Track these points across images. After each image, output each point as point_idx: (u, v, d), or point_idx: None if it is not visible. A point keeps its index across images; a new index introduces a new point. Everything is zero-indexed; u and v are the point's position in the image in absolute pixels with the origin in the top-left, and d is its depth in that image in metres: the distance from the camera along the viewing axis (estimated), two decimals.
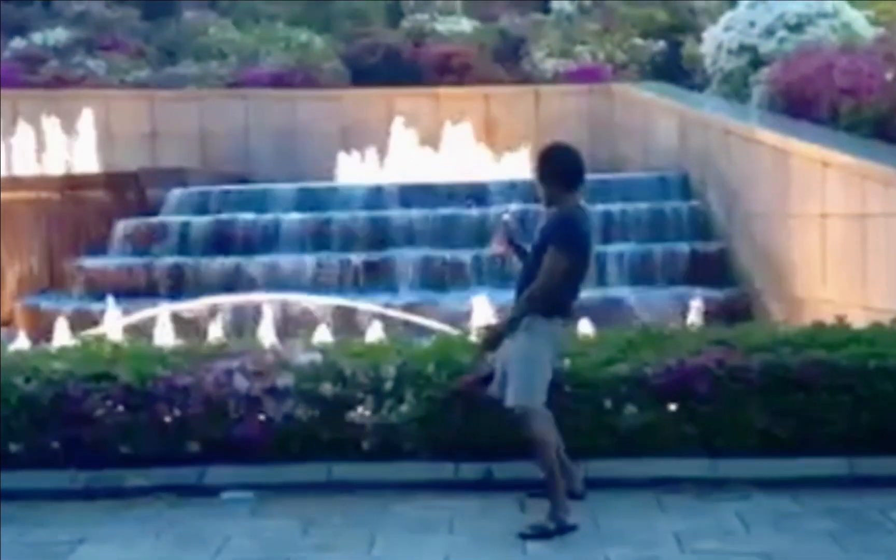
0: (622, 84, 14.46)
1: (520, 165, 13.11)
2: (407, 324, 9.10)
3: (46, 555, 5.20)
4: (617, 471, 6.05)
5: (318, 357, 6.44)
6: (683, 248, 10.84)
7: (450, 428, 6.18)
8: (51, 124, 12.88)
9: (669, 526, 5.41)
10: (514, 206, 5.96)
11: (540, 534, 5.29)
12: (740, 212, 10.61)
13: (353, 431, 6.22)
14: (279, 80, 14.59)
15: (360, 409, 6.26)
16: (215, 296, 9.84)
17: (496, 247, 5.94)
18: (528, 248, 5.71)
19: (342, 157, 13.19)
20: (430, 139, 13.44)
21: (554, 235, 5.45)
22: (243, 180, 12.97)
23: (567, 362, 6.17)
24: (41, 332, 9.56)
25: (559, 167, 5.59)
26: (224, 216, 11.28)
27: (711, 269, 10.68)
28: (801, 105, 11.12)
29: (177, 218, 11.37)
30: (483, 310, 8.82)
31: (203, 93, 14.52)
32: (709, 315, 9.41)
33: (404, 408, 6.22)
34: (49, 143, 12.80)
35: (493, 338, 5.67)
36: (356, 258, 10.53)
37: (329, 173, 13.01)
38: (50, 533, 5.51)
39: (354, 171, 13.06)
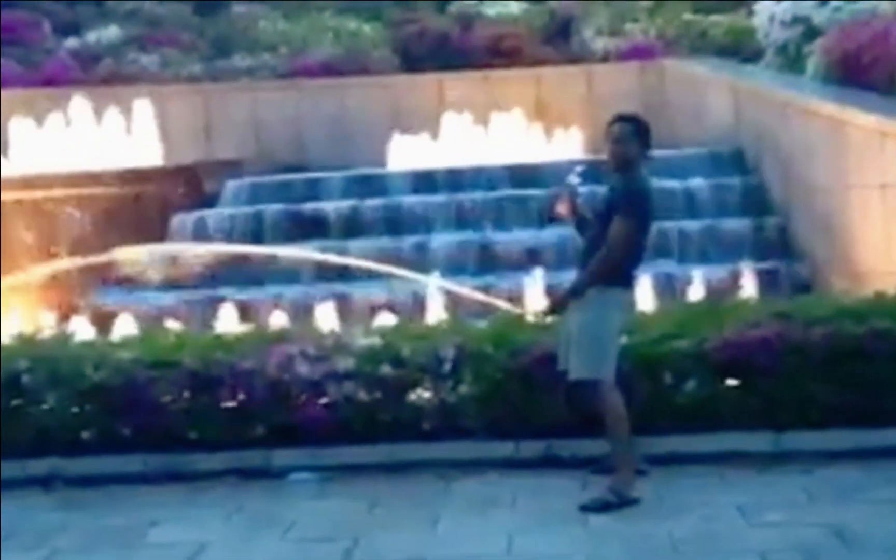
0: (674, 60, 14.35)
1: (571, 146, 13.09)
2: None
3: (121, 538, 5.32)
4: (678, 446, 6.04)
5: (377, 340, 6.50)
6: (741, 223, 10.79)
7: (509, 407, 6.22)
8: (107, 120, 13.08)
9: (733, 499, 5.40)
10: (580, 169, 5.88)
11: (602, 506, 5.31)
12: (798, 185, 10.50)
13: (413, 412, 6.28)
14: (329, 70, 14.70)
15: (419, 391, 6.32)
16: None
17: (560, 209, 5.83)
18: (589, 215, 5.71)
19: (393, 142, 13.25)
20: (481, 122, 13.45)
21: (622, 203, 5.44)
22: (297, 169, 13.09)
23: (625, 339, 6.16)
24: (104, 324, 9.76)
25: (642, 126, 5.61)
26: (293, 205, 11.38)
27: (769, 244, 10.62)
28: (857, 75, 10.94)
29: (236, 209, 11.51)
30: (537, 291, 8.83)
31: (255, 84, 14.67)
32: (768, 290, 9.36)
33: (463, 388, 6.27)
34: (105, 139, 13.00)
35: (558, 304, 5.67)
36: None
37: (381, 159, 13.09)
38: (123, 517, 5.64)
39: (406, 156, 13.12)
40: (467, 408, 6.27)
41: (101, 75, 14.74)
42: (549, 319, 5.76)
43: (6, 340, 6.88)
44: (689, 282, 9.78)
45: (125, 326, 8.94)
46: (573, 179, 5.87)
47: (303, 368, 6.35)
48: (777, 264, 10.26)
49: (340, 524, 5.34)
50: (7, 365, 6.43)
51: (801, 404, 6.11)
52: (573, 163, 6.18)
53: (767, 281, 9.83)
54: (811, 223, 10.22)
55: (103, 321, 9.79)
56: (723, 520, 5.16)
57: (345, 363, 6.36)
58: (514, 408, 6.22)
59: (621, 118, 5.70)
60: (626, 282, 5.58)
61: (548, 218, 5.90)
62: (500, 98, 13.85)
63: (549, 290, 6.30)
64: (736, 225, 10.78)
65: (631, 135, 5.57)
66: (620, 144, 5.57)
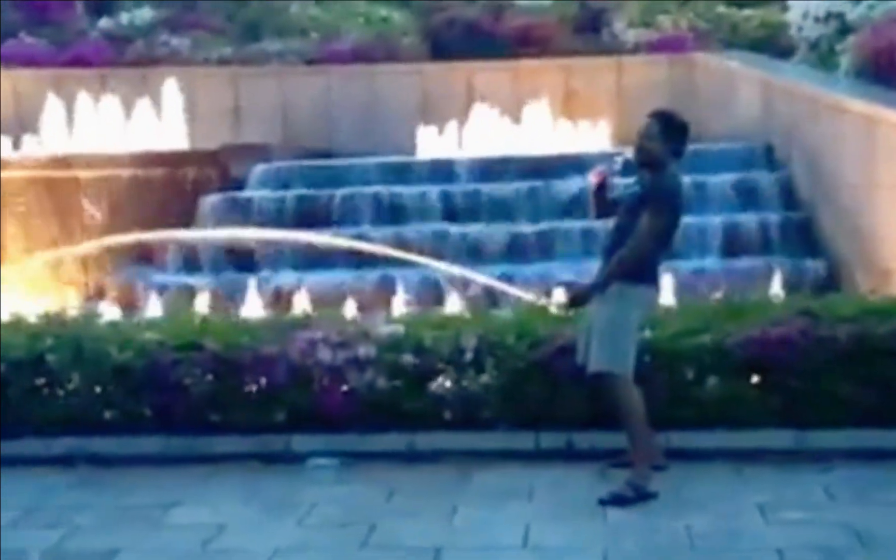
0: (705, 54, 14.26)
1: (599, 138, 13.04)
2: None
3: (142, 517, 5.37)
4: (699, 442, 6.02)
5: (399, 328, 6.52)
6: (768, 218, 10.73)
7: (530, 398, 6.21)
8: (136, 102, 13.16)
9: (752, 497, 5.38)
10: (622, 159, 5.86)
11: (620, 500, 5.30)
12: (826, 182, 10.42)
13: (434, 402, 6.29)
14: (359, 56, 14.70)
15: (440, 380, 6.33)
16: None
17: (593, 177, 5.80)
18: (612, 197, 5.71)
19: (422, 131, 13.25)
20: (510, 112, 13.42)
21: (651, 198, 5.41)
22: (325, 155, 13.12)
23: (648, 333, 6.15)
24: (131, 304, 9.85)
25: (674, 124, 5.58)
26: (315, 191, 11.41)
27: (797, 240, 10.56)
28: (890, 72, 10.84)
29: (261, 193, 11.56)
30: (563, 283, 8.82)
31: (285, 69, 14.69)
32: (794, 286, 9.31)
33: (484, 378, 6.28)
34: (135, 121, 13.08)
35: (580, 298, 5.67)
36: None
37: (409, 147, 13.09)
38: (144, 496, 5.69)
39: (434, 144, 13.12)
40: (488, 398, 6.27)
41: (132, 57, 14.82)
42: (571, 313, 5.74)
43: (33, 319, 6.94)
44: (714, 277, 9.77)
45: (151, 308, 9.02)
46: (617, 160, 5.86)
47: (325, 355, 6.37)
48: (802, 261, 10.21)
49: (358, 510, 5.37)
50: (32, 344, 6.50)
51: (823, 402, 6.07)
52: (612, 155, 6.16)
53: (792, 277, 9.78)
54: (838, 220, 10.14)
55: (129, 302, 9.89)
56: (741, 517, 5.14)
57: (366, 350, 6.37)
58: (535, 399, 6.21)
59: (654, 114, 5.67)
60: (650, 279, 5.55)
61: (592, 194, 5.82)
62: (528, 88, 13.81)
63: (573, 284, 6.26)
64: (763, 220, 10.72)
65: (658, 133, 5.53)
66: (645, 140, 5.55)
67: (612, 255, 5.49)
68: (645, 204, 5.40)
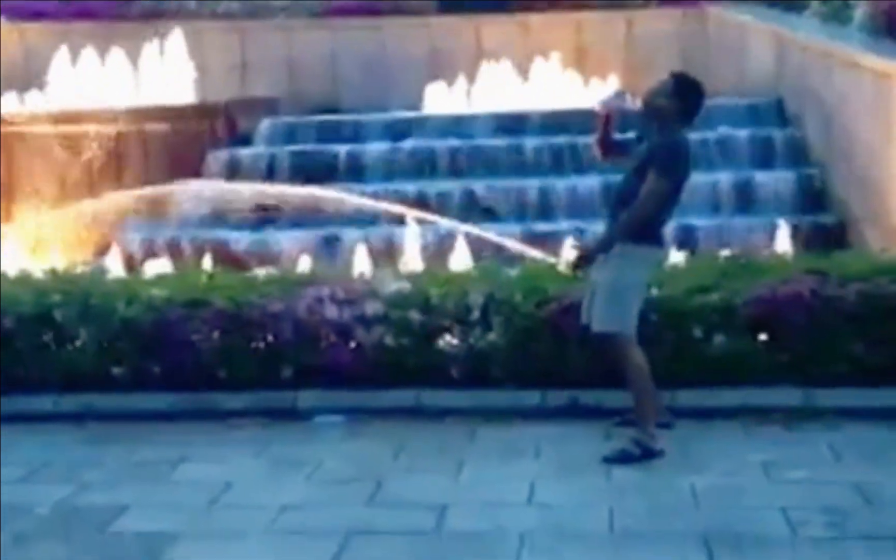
0: (717, 7, 14.11)
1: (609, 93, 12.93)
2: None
3: (151, 472, 5.40)
4: (706, 400, 6.01)
5: (406, 285, 6.51)
6: (779, 175, 10.68)
7: (536, 356, 6.21)
8: (143, 56, 13.10)
9: (758, 455, 5.38)
10: (631, 100, 5.76)
11: (624, 458, 5.31)
12: (838, 138, 10.34)
13: (441, 359, 6.30)
14: (366, 9, 14.59)
15: (447, 337, 6.33)
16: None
17: (601, 106, 5.69)
18: (618, 143, 5.68)
19: (430, 86, 13.16)
20: (519, 67, 13.33)
21: (658, 160, 5.36)
22: (331, 110, 13.07)
23: (655, 291, 6.13)
24: (138, 259, 9.86)
25: (694, 92, 5.52)
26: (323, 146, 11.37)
27: (807, 197, 10.51)
28: None
29: (269, 148, 11.52)
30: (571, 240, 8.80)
31: (291, 23, 14.61)
32: (804, 243, 9.27)
33: (491, 336, 6.27)
34: (141, 75, 13.03)
35: (585, 258, 5.65)
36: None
37: (416, 102, 13.02)
38: (153, 452, 5.72)
39: (442, 100, 13.04)
40: (495, 356, 6.27)
41: (139, 11, 14.73)
42: (577, 272, 5.73)
43: (40, 275, 6.95)
44: (722, 234, 9.73)
45: (159, 264, 9.02)
46: (627, 97, 5.77)
47: (331, 311, 6.38)
48: (814, 218, 10.16)
49: (365, 467, 5.39)
50: (40, 300, 6.51)
51: (831, 361, 6.06)
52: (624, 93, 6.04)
53: (804, 234, 9.75)
54: (850, 177, 10.07)
55: (136, 257, 9.90)
56: (746, 475, 5.15)
57: (373, 307, 6.38)
58: (541, 357, 6.21)
59: (673, 74, 5.62)
60: (655, 239, 5.51)
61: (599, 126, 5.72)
62: (538, 42, 13.70)
63: (578, 244, 6.24)
64: (774, 177, 10.66)
65: (671, 91, 5.46)
66: (655, 96, 5.48)
67: (617, 214, 5.45)
68: (651, 163, 5.35)
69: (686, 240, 9.31)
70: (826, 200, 10.43)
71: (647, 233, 5.39)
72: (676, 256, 8.62)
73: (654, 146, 5.43)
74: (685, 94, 5.50)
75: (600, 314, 5.41)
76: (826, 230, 10.00)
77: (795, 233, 9.56)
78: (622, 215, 5.40)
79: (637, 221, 5.33)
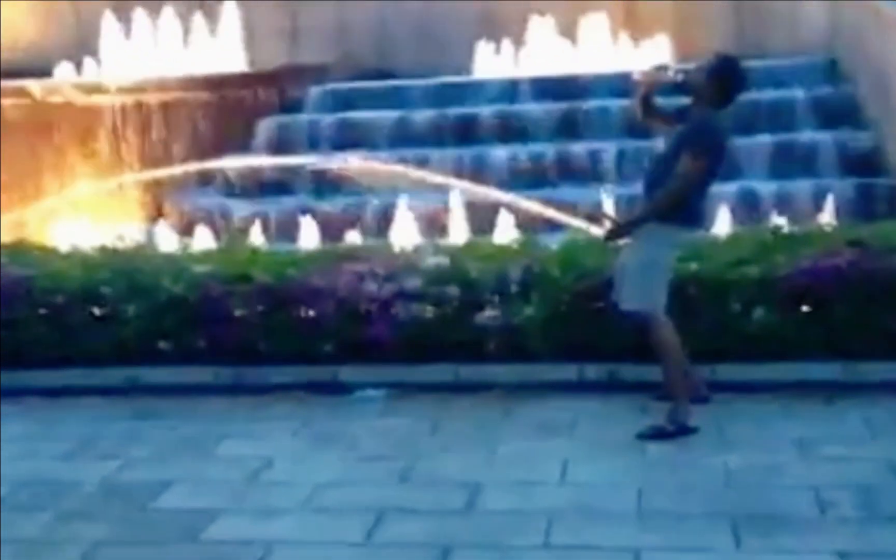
0: None
1: (660, 54, 12.78)
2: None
3: (194, 448, 5.55)
4: (744, 374, 6.01)
5: (445, 260, 6.56)
6: (832, 136, 10.49)
7: (574, 330, 6.23)
8: (193, 25, 13.20)
9: (793, 432, 5.37)
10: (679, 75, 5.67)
11: (658, 434, 5.34)
12: (892, 98, 10.12)
13: (479, 333, 6.34)
14: None
15: (486, 312, 6.37)
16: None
17: (640, 74, 5.66)
18: (661, 109, 5.65)
19: (479, 49, 13.10)
20: (568, 28, 13.20)
21: (691, 141, 5.32)
22: (383, 75, 13.08)
23: (695, 265, 6.11)
24: (189, 227, 10.03)
25: (733, 76, 5.46)
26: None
27: (860, 160, 10.32)
28: None
29: (319, 116, 11.58)
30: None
31: None
32: (857, 207, 9.14)
33: (529, 310, 6.30)
34: (192, 44, 13.15)
35: (617, 232, 5.65)
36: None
37: (467, 65, 12.97)
38: (196, 428, 5.86)
39: (491, 63, 12.99)
40: (533, 330, 6.30)
41: None
42: (609, 244, 5.74)
43: (89, 251, 7.12)
44: (774, 198, 9.62)
45: (206, 236, 9.18)
46: (669, 72, 5.68)
47: (371, 287, 6.46)
48: (868, 180, 9.98)
49: (401, 443, 5.48)
50: (89, 275, 6.68)
51: (871, 334, 6.00)
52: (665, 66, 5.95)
53: (857, 197, 9.61)
54: None
55: (187, 227, 10.07)
56: (780, 452, 5.15)
57: (413, 283, 6.44)
58: (579, 331, 6.23)
59: (717, 54, 5.56)
60: (687, 220, 5.49)
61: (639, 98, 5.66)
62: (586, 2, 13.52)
63: (611, 217, 6.23)
64: (827, 138, 10.48)
65: (711, 71, 5.41)
66: (696, 71, 5.44)
67: (651, 192, 5.44)
68: (685, 144, 5.32)
69: (735, 204, 9.25)
70: (880, 163, 10.23)
71: (678, 213, 5.37)
72: (725, 222, 8.61)
73: (688, 127, 5.40)
74: (725, 77, 5.44)
75: (628, 293, 5.44)
76: (880, 193, 9.83)
77: (849, 195, 9.42)
78: (655, 194, 5.38)
79: (669, 202, 5.31)
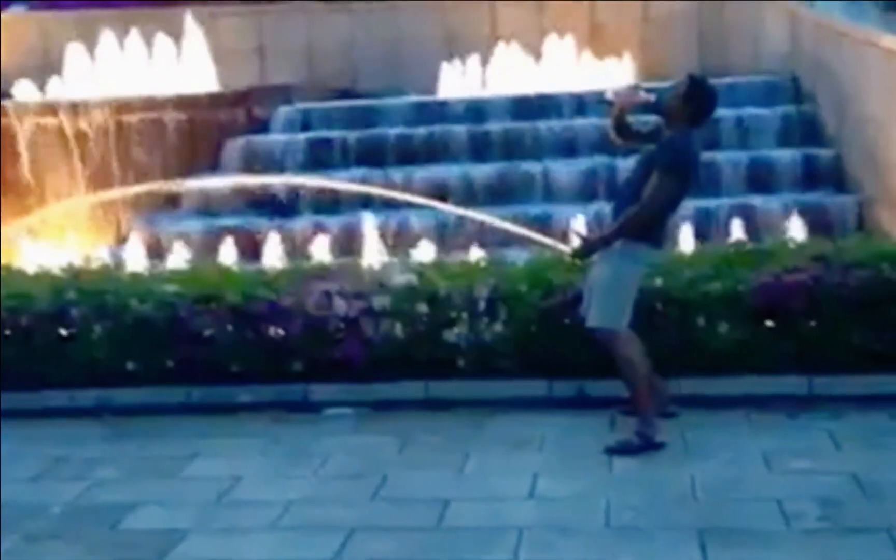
0: None
1: (624, 73, 12.93)
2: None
3: (163, 469, 5.53)
4: (709, 389, 6.07)
5: (413, 278, 6.60)
6: (793, 154, 10.66)
7: (543, 346, 6.28)
8: (159, 44, 13.14)
9: (759, 445, 5.45)
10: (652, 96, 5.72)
11: (625, 449, 5.39)
12: (852, 117, 10.31)
13: (448, 350, 6.38)
14: None
15: (455, 329, 6.41)
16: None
17: (613, 96, 5.71)
18: (634, 128, 5.71)
19: (445, 69, 13.18)
20: (533, 48, 13.31)
21: (663, 159, 5.39)
22: (349, 95, 13.12)
23: (659, 281, 6.18)
24: (156, 250, 10.00)
25: (705, 97, 5.53)
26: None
27: (822, 177, 10.50)
28: None
29: (287, 136, 11.59)
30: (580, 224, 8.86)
31: (310, 6, 14.62)
32: (818, 224, 9.27)
33: (498, 327, 6.35)
34: (157, 63, 13.09)
35: (586, 249, 5.71)
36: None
37: (433, 86, 13.05)
38: (166, 448, 5.85)
39: (457, 82, 13.07)
40: (502, 347, 6.35)
41: None
42: (577, 262, 5.79)
43: (56, 272, 7.09)
44: (738, 214, 9.74)
45: (175, 255, 9.16)
46: (642, 93, 5.74)
47: (340, 305, 6.48)
48: (828, 197, 10.15)
49: (371, 461, 5.49)
50: (56, 297, 6.65)
51: (835, 349, 6.09)
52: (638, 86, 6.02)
53: (818, 214, 9.75)
54: (863, 156, 10.06)
55: (154, 248, 10.05)
56: (746, 465, 5.21)
57: (381, 301, 6.47)
58: (548, 347, 6.28)
59: (689, 76, 5.63)
60: (655, 240, 5.54)
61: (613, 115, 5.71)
62: (553, 22, 13.66)
63: (581, 234, 6.30)
64: (788, 156, 10.65)
65: (683, 92, 5.47)
66: (669, 93, 5.51)
67: (620, 208, 5.50)
68: (656, 163, 5.38)
69: (699, 220, 9.36)
70: (840, 180, 10.41)
71: (647, 232, 5.44)
72: (687, 240, 8.71)
73: (659, 146, 5.47)
74: (697, 98, 5.51)
75: (594, 310, 5.49)
76: (841, 209, 9.99)
77: (809, 212, 9.56)
78: (626, 212, 5.45)
79: (639, 220, 5.37)
